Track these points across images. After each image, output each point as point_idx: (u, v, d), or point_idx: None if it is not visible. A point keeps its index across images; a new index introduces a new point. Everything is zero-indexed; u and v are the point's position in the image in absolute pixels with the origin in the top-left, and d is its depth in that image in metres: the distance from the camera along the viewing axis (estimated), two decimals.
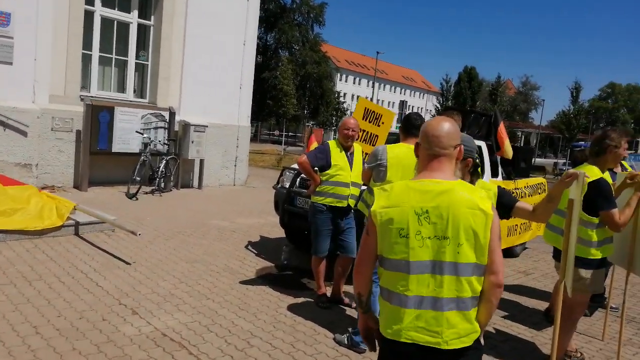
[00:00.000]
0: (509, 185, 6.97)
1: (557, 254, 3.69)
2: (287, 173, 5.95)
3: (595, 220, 3.41)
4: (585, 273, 3.46)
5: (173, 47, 10.20)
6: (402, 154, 3.59)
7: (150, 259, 5.34)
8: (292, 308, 4.41)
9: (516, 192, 7.07)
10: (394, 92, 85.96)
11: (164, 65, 10.11)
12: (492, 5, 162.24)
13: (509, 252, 6.85)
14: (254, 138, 42.59)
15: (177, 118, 10.19)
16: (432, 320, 1.74)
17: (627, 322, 4.93)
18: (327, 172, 4.40)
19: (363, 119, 5.08)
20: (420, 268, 1.74)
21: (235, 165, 11.87)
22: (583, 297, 3.55)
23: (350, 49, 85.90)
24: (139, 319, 3.83)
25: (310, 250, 4.67)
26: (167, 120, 9.85)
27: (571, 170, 2.51)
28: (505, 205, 2.62)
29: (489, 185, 2.73)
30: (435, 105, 62.26)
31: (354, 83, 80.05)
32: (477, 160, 2.61)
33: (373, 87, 49.00)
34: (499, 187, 2.69)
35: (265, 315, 4.19)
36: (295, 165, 5.46)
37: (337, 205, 4.39)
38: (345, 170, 4.40)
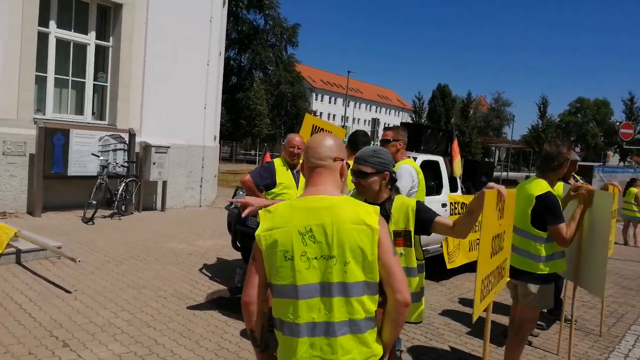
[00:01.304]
0: (469, 199, 6.96)
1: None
2: (240, 192, 5.82)
3: (544, 234, 3.34)
4: (534, 288, 3.38)
5: (133, 68, 10.04)
6: None
7: (94, 286, 5.10)
8: (240, 334, 4.23)
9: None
10: (369, 110, 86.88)
11: (124, 87, 9.93)
12: (465, 23, 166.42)
13: (471, 267, 6.78)
14: (230, 158, 42.34)
15: (138, 139, 9.98)
16: (327, 348, 1.61)
17: (585, 335, 4.88)
18: (273, 191, 4.28)
19: (312, 135, 4.99)
20: (309, 292, 1.61)
21: (201, 186, 11.66)
22: (532, 313, 3.47)
23: (325, 69, 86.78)
24: (69, 352, 3.60)
25: None
26: (127, 142, 9.63)
27: (491, 183, 2.42)
28: (424, 221, 2.52)
29: (408, 200, 2.64)
30: (409, 122, 62.93)
31: (329, 102, 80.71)
32: (394, 175, 2.53)
33: (346, 105, 49.30)
34: (418, 202, 2.60)
35: (209, 342, 4.00)
36: None
37: None
38: (292, 189, 4.29)
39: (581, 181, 5.41)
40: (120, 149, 9.52)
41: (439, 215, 2.50)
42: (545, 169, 3.46)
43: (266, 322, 1.76)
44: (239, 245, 5.72)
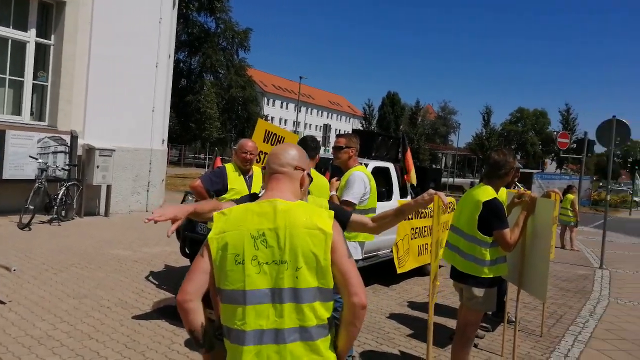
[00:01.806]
0: None
1: (454, 274, 3.69)
2: (190, 198, 5.67)
3: (489, 239, 3.44)
4: (478, 292, 3.47)
5: (76, 68, 9.61)
6: None
7: (31, 296, 4.81)
8: (187, 342, 4.10)
9: (425, 212, 7.21)
10: (321, 116, 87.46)
11: (66, 87, 9.49)
12: (414, 30, 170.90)
13: (420, 271, 6.92)
14: (178, 162, 41.38)
15: (81, 142, 9.56)
16: (275, 356, 1.57)
17: (526, 335, 5.07)
18: (224, 196, 4.18)
19: (264, 141, 4.94)
20: (258, 297, 1.58)
21: (147, 191, 11.31)
22: (476, 316, 3.56)
23: (277, 74, 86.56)
24: None
25: None
26: (69, 144, 9.20)
27: (432, 190, 2.44)
28: (340, 222, 2.51)
29: (320, 201, 2.61)
30: (360, 129, 63.85)
31: (281, 107, 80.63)
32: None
33: (298, 111, 49.40)
34: (330, 202, 2.59)
35: (155, 352, 3.86)
36: None
37: None
38: (244, 194, 4.21)
39: (522, 188, 5.66)
40: (60, 152, 9.08)
41: (352, 213, 2.46)
42: (492, 176, 3.57)
43: (211, 329, 1.69)
44: (188, 252, 5.57)
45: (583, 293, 7.20)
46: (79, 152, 9.53)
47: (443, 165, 54.92)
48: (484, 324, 5.11)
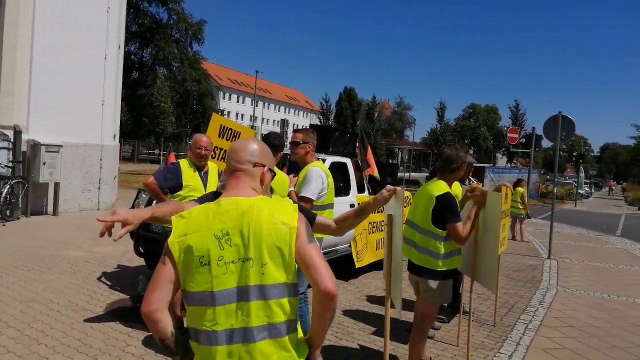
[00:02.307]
0: None
1: (410, 267, 3.75)
2: (143, 195, 5.50)
3: (443, 233, 3.51)
4: (434, 284, 3.54)
5: (18, 59, 9.14)
6: None
7: None
8: (143, 344, 3.99)
9: (382, 207, 7.31)
10: (278, 110, 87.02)
11: (7, 79, 9.01)
12: (369, 24, 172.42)
13: (378, 265, 6.99)
14: (131, 158, 40.17)
15: (25, 137, 9.10)
16: (245, 355, 1.55)
17: (480, 325, 5.23)
18: (179, 193, 4.09)
19: (219, 136, 4.85)
20: (227, 297, 1.54)
21: (99, 188, 10.93)
22: (432, 307, 3.63)
23: (233, 68, 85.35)
24: None
25: None
26: (12, 140, 8.74)
27: (390, 186, 2.45)
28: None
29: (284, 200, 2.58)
30: (318, 123, 63.96)
31: (237, 101, 79.63)
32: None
33: (255, 105, 48.94)
34: (297, 205, 2.54)
35: (109, 356, 3.73)
36: None
37: None
38: (199, 192, 4.11)
39: (475, 182, 5.81)
40: (3, 148, 8.62)
41: (317, 215, 2.40)
42: (445, 171, 3.66)
43: (177, 331, 1.63)
44: (142, 251, 5.41)
45: (533, 283, 7.49)
46: (24, 148, 9.08)
47: (399, 160, 55.88)
48: (440, 316, 5.23)
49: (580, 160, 48.05)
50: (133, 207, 5.69)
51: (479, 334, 4.94)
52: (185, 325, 1.67)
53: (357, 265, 6.34)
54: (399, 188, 2.45)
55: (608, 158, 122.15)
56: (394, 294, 2.79)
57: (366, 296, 6.09)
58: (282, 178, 3.70)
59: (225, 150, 4.89)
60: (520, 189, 11.95)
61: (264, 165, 1.77)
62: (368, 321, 5.12)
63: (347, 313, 5.35)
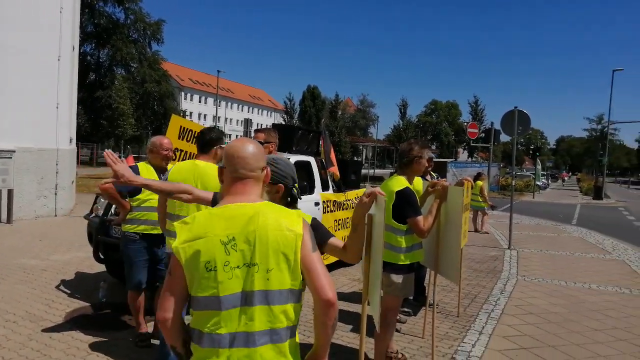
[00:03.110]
0: (340, 197, 7.23)
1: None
2: (101, 200, 5.36)
3: (404, 227, 3.57)
4: (397, 278, 3.59)
5: None
6: (183, 169, 3.47)
7: None
8: (105, 352, 3.89)
9: (347, 204, 7.36)
10: (241, 110, 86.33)
11: None
12: (329, 21, 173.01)
13: (345, 262, 7.04)
14: (90, 162, 39.02)
15: None
16: (246, 359, 1.56)
17: (444, 317, 5.34)
18: (138, 197, 4.00)
19: (179, 137, 4.77)
20: (232, 302, 1.56)
21: (55, 194, 10.57)
22: (395, 301, 3.69)
23: (194, 68, 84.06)
24: None
25: None
26: None
27: (369, 190, 2.41)
28: (317, 241, 2.35)
29: (305, 215, 2.50)
30: (282, 123, 63.78)
31: (199, 102, 78.54)
32: (294, 192, 2.21)
33: (217, 105, 48.37)
34: (313, 219, 2.23)
35: None
36: None
37: (152, 232, 4.00)
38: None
39: (437, 177, 5.92)
40: None
41: (333, 236, 2.23)
42: (402, 166, 3.74)
43: (189, 339, 1.66)
44: (102, 257, 5.27)
45: (494, 273, 7.70)
46: None
47: (364, 157, 56.33)
48: (406, 309, 5.31)
49: (537, 153, 49.47)
50: (91, 211, 5.53)
51: (444, 325, 5.05)
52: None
53: (324, 262, 6.37)
54: (379, 193, 2.36)
55: (563, 150, 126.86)
56: (371, 295, 2.79)
57: None
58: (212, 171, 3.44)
59: (187, 152, 4.81)
60: (479, 183, 12.25)
61: (266, 167, 1.79)
62: None
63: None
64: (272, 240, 1.58)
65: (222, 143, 3.60)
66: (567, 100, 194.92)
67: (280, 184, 2.13)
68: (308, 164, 6.77)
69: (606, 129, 37.83)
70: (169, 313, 1.62)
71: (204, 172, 3.38)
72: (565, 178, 67.35)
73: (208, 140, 3.53)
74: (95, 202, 5.52)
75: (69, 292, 5.37)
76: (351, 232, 2.25)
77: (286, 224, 1.62)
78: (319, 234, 2.19)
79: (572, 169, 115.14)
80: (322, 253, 2.28)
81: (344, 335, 4.65)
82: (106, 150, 2.06)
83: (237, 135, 74.32)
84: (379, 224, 2.66)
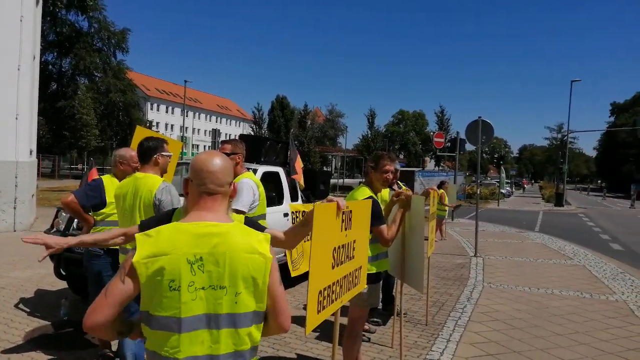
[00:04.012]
0: (309, 207, 7.23)
1: None
2: (63, 214, 5.21)
3: (369, 236, 3.60)
4: (362, 288, 3.61)
5: None
6: (124, 184, 3.47)
7: None
8: None
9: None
10: (209, 120, 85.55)
11: None
12: (299, 33, 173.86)
13: None
14: (52, 174, 37.85)
15: None
16: None
17: (413, 325, 5.39)
18: (103, 211, 3.91)
19: None
20: (194, 324, 1.51)
21: (14, 208, 10.21)
22: (362, 311, 3.71)
23: (161, 78, 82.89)
24: None
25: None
26: None
27: (330, 197, 2.52)
28: None
29: (239, 217, 2.59)
30: (250, 133, 63.50)
31: (166, 112, 77.41)
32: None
33: (185, 116, 47.78)
34: (246, 218, 2.46)
35: None
36: None
37: (117, 247, 3.91)
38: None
39: (404, 187, 6.00)
40: None
41: (272, 228, 2.43)
42: (365, 176, 3.81)
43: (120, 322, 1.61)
44: (64, 273, 5.11)
45: (461, 280, 7.83)
46: None
47: (333, 167, 56.59)
48: (375, 319, 5.34)
49: (501, 162, 50.81)
50: (52, 226, 5.36)
51: (412, 334, 5.09)
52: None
53: (293, 274, 6.35)
54: (341, 199, 2.46)
55: (526, 159, 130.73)
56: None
57: (303, 305, 6.10)
58: (148, 180, 3.47)
59: None
60: (440, 191, 12.51)
61: (233, 182, 1.77)
62: (304, 329, 5.12)
63: None
64: (242, 263, 1.56)
65: (162, 151, 3.53)
66: (530, 110, 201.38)
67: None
68: (277, 174, 6.76)
69: (566, 137, 39.18)
70: (101, 322, 1.51)
71: (141, 183, 3.38)
72: (525, 186, 69.26)
73: (145, 150, 3.47)
74: (56, 216, 5.36)
75: (28, 310, 5.18)
76: (299, 226, 2.40)
77: (256, 248, 1.61)
78: (258, 228, 2.34)
79: (535, 177, 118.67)
80: None
81: (313, 347, 4.64)
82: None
83: (205, 146, 73.58)
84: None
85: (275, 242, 2.36)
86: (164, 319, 1.50)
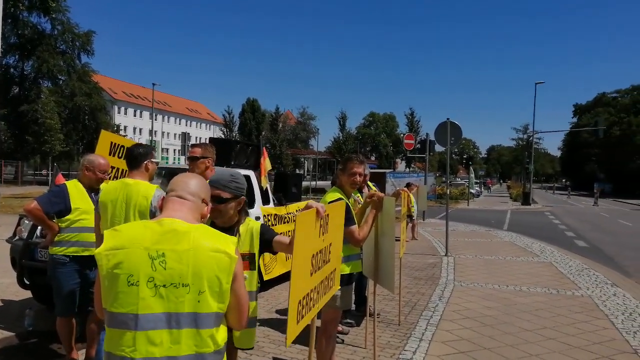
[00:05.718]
0: (281, 210, 7.21)
1: None
2: (26, 222, 5.04)
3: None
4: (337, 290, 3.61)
5: None
6: (112, 190, 3.42)
7: None
8: None
9: (288, 217, 7.35)
10: (179, 124, 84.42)
11: None
12: (269, 36, 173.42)
13: (289, 277, 7.01)
14: (15, 180, 36.61)
15: None
16: None
17: (386, 326, 5.42)
18: (68, 217, 3.80)
19: (110, 154, 4.55)
20: (152, 322, 1.47)
21: None
22: (335, 313, 3.71)
23: (128, 81, 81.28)
24: None
25: None
26: None
27: (310, 202, 2.53)
28: (267, 241, 2.60)
29: (253, 222, 2.66)
30: (221, 136, 62.95)
31: (134, 115, 76.05)
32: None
33: (153, 119, 47.02)
34: (262, 224, 2.66)
35: None
36: None
37: (83, 254, 3.80)
38: (91, 214, 3.85)
39: (374, 189, 6.04)
40: None
41: (278, 234, 2.58)
42: (337, 179, 3.83)
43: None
44: (27, 282, 4.94)
45: (433, 280, 7.93)
46: None
47: (305, 169, 56.61)
48: (348, 320, 5.36)
49: (470, 162, 51.84)
50: (15, 234, 5.18)
51: (386, 334, 5.12)
52: None
53: (266, 277, 6.32)
54: (320, 205, 2.48)
55: (494, 159, 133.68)
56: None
57: (275, 309, 6.07)
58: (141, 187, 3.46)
59: (119, 169, 4.61)
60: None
61: (208, 203, 1.79)
62: (278, 333, 5.10)
63: (257, 327, 5.28)
64: (207, 262, 1.54)
65: (152, 157, 3.53)
66: (496, 111, 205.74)
67: (243, 197, 2.53)
68: (247, 177, 6.70)
69: (531, 138, 40.26)
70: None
71: (132, 190, 3.34)
72: (490, 186, 70.71)
73: (136, 155, 3.47)
74: (18, 224, 5.18)
75: None
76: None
77: (222, 247, 1.59)
78: (270, 233, 2.65)
79: (503, 177, 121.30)
80: (275, 252, 2.67)
81: (287, 351, 4.61)
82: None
83: (174, 150, 72.52)
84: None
85: (282, 247, 2.53)
86: (121, 315, 1.47)
